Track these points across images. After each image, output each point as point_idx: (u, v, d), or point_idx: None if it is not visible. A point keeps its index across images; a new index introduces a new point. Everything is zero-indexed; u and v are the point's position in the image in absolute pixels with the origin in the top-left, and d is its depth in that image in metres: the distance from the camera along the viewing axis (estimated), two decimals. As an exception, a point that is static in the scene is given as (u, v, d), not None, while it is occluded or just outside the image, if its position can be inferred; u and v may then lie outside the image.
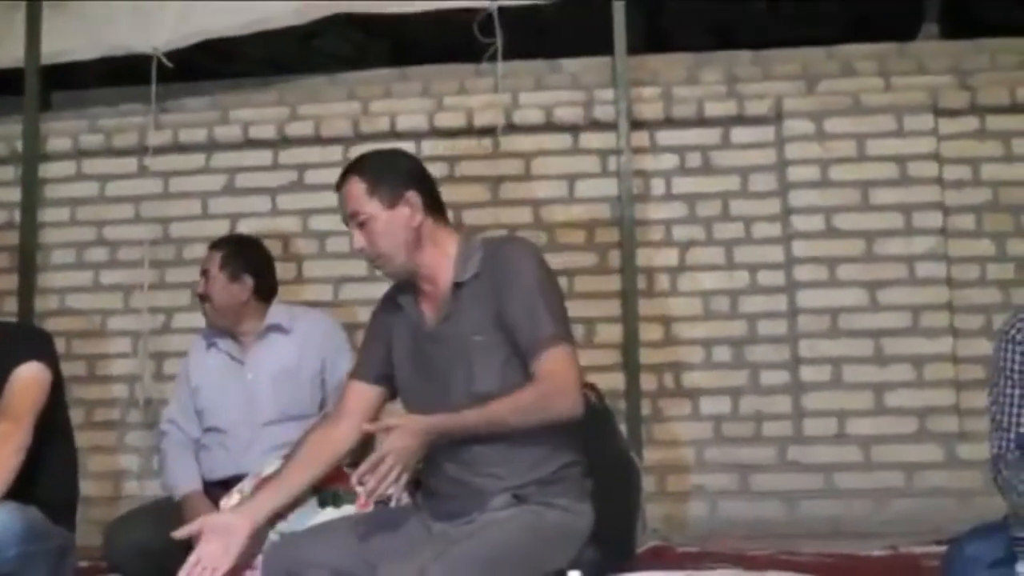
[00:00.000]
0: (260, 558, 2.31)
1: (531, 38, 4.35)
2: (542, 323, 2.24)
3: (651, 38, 4.74)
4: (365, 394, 2.46)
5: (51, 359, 2.82)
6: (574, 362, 2.26)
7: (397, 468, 2.11)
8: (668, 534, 3.82)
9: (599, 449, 2.37)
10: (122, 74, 4.60)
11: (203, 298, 3.31)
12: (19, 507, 2.55)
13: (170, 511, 3.04)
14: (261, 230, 4.07)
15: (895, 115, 4.17)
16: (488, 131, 4.30)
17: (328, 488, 2.47)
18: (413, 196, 2.35)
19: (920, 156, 4.15)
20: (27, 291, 4.27)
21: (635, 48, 4.29)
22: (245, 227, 4.22)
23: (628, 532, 2.42)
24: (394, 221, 2.34)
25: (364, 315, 4.06)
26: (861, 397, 4.06)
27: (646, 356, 4.11)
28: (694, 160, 4.28)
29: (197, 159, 4.46)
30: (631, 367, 4.07)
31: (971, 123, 4.18)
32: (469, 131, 4.32)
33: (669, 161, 4.29)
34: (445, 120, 4.33)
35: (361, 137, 4.30)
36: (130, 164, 4.48)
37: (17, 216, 4.38)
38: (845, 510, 3.96)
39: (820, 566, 3.33)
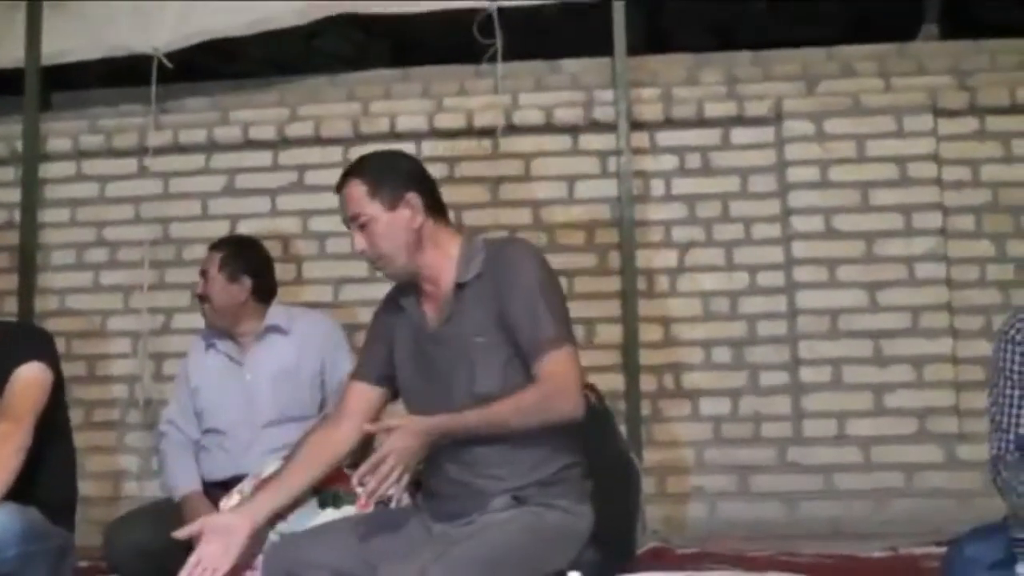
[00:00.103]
0: (260, 559, 2.31)
1: (531, 39, 4.35)
2: (544, 324, 2.24)
3: (651, 39, 4.75)
4: (366, 395, 2.46)
5: (52, 359, 2.81)
6: (576, 364, 2.25)
7: (398, 469, 2.11)
8: (668, 535, 3.82)
9: (599, 450, 2.37)
10: (122, 74, 4.60)
11: (202, 299, 3.31)
12: (18, 508, 2.55)
13: (170, 512, 3.04)
14: (261, 231, 4.07)
15: (895, 116, 4.17)
16: (488, 132, 4.31)
17: (328, 489, 2.47)
18: (414, 197, 2.35)
19: (920, 157, 4.15)
20: (27, 291, 4.27)
21: (635, 49, 4.29)
22: (245, 228, 4.23)
23: (628, 533, 2.42)
24: (395, 223, 2.34)
25: (364, 316, 4.07)
26: (861, 398, 4.06)
27: (646, 357, 4.12)
28: (694, 161, 4.28)
29: (197, 160, 4.46)
30: (631, 368, 4.07)
31: (971, 124, 4.19)
32: (469, 132, 4.32)
33: (669, 162, 4.29)
34: (445, 121, 4.34)
35: (361, 138, 4.31)
36: (130, 165, 4.48)
37: (17, 216, 4.39)
38: (845, 511, 3.97)
39: (820, 567, 3.33)
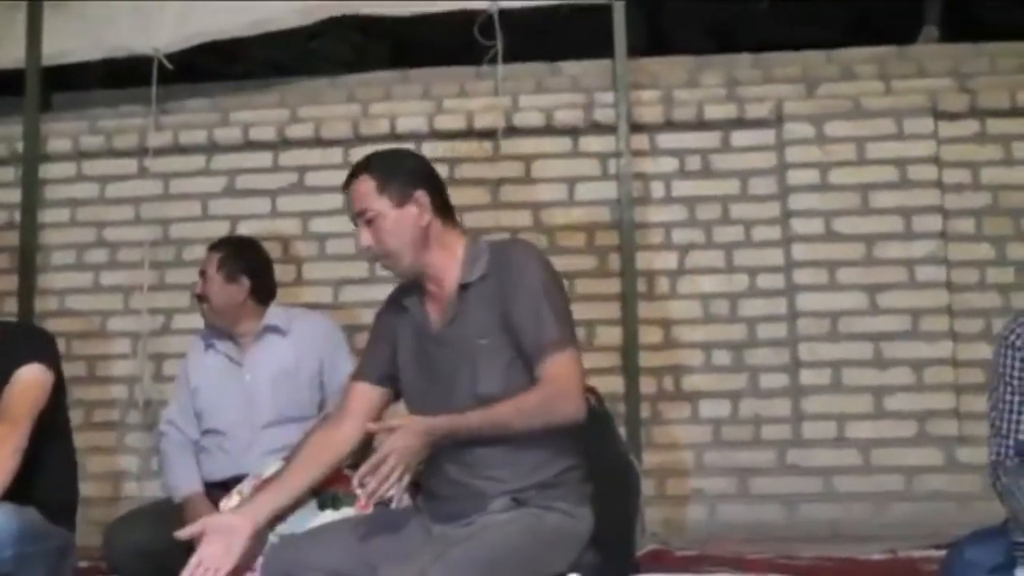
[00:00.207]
0: (260, 560, 2.31)
1: (531, 41, 4.35)
2: (547, 326, 2.23)
3: (651, 41, 4.75)
4: (368, 395, 2.45)
5: (53, 360, 2.81)
6: (578, 366, 2.25)
7: (399, 469, 2.09)
8: (667, 537, 3.82)
9: (598, 452, 2.37)
10: (123, 75, 4.60)
11: (201, 299, 3.31)
12: (16, 508, 2.55)
13: (169, 512, 3.03)
14: (261, 232, 4.07)
15: (895, 118, 4.17)
16: (488, 134, 4.31)
17: (327, 490, 2.46)
18: (422, 196, 2.35)
19: (920, 159, 4.15)
20: (27, 292, 4.27)
21: (635, 51, 4.29)
22: (245, 229, 4.23)
23: (627, 535, 2.41)
24: (402, 220, 2.33)
25: (364, 317, 4.09)
26: (861, 401, 4.06)
27: (645, 359, 4.12)
28: (694, 163, 4.28)
29: (197, 161, 4.46)
30: (630, 370, 4.07)
31: (971, 126, 4.19)
32: (469, 133, 4.32)
33: (669, 164, 4.29)
34: (445, 122, 4.34)
35: (361, 139, 4.31)
36: (130, 165, 4.48)
37: (17, 217, 4.39)
38: (844, 514, 3.96)
39: (819, 570, 3.34)
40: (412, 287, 2.43)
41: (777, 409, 4.13)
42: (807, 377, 4.10)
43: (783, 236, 4.21)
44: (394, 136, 4.27)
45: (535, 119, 4.31)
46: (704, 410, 4.16)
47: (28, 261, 4.32)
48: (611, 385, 3.95)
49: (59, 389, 2.83)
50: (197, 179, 4.46)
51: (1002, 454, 2.33)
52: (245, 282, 3.27)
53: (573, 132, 4.32)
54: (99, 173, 4.50)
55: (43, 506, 2.68)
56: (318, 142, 4.40)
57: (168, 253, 4.42)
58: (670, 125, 4.28)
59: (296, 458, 2.43)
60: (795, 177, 4.19)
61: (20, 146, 4.40)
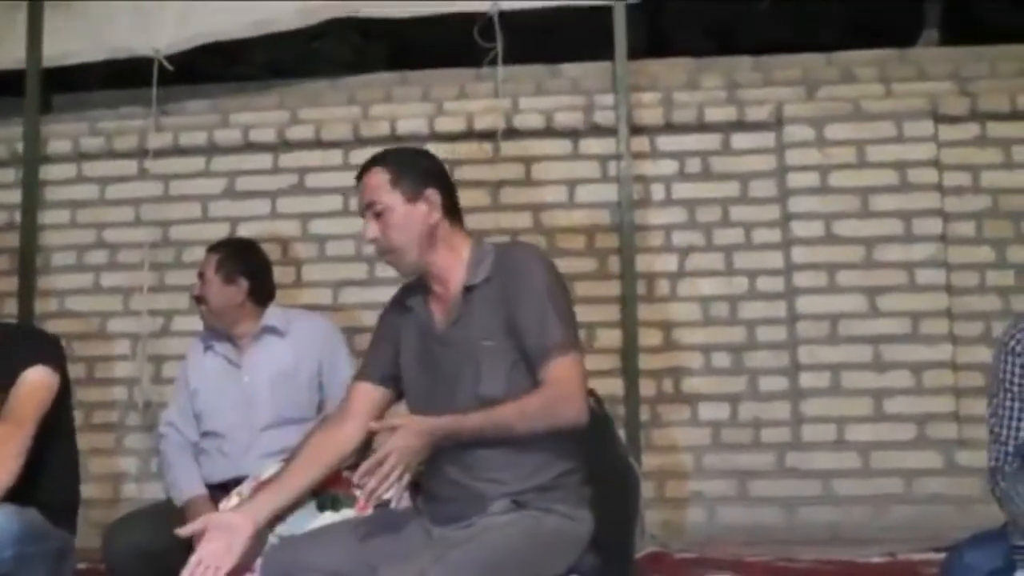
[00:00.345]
0: (259, 561, 2.31)
1: (531, 43, 4.35)
2: (551, 330, 2.24)
3: (651, 42, 4.75)
4: (370, 395, 2.45)
5: (58, 363, 2.83)
6: (581, 370, 2.25)
7: (399, 468, 2.09)
8: (666, 540, 3.82)
9: (598, 455, 2.36)
10: (123, 77, 4.60)
11: (199, 300, 3.31)
12: (16, 509, 2.55)
13: (169, 513, 3.03)
14: (261, 234, 4.07)
15: (895, 121, 4.17)
16: (488, 135, 4.31)
17: (327, 492, 2.46)
18: (433, 194, 2.35)
19: (920, 162, 4.15)
20: (27, 293, 4.27)
21: (635, 53, 4.29)
22: (245, 230, 4.23)
23: (627, 538, 2.41)
24: (412, 215, 2.33)
25: (363, 319, 4.10)
26: (860, 403, 4.06)
27: (645, 361, 4.12)
28: (694, 166, 4.28)
29: (197, 162, 4.46)
30: (630, 372, 4.07)
31: (971, 130, 4.19)
32: (469, 135, 4.32)
33: (669, 166, 4.29)
34: (445, 124, 4.34)
35: (361, 141, 4.31)
36: (130, 167, 4.49)
37: (17, 218, 4.39)
38: (844, 517, 3.96)
39: (818, 573, 3.34)
40: (417, 288, 2.44)
41: (777, 412, 4.13)
42: (807, 380, 4.09)
43: (783, 239, 4.21)
44: (394, 138, 4.26)
45: (535, 121, 4.31)
46: (704, 413, 4.16)
47: (28, 262, 4.32)
48: (611, 387, 3.95)
49: (64, 392, 2.85)
50: (197, 181, 4.46)
51: (1001, 460, 2.32)
52: (243, 283, 3.27)
53: (573, 134, 4.32)
54: (99, 174, 4.50)
55: (45, 507, 2.68)
56: (318, 144, 4.40)
57: (168, 255, 4.42)
58: (670, 127, 4.28)
59: (297, 458, 2.43)
60: (795, 180, 4.19)
61: (20, 147, 4.41)
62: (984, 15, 4.77)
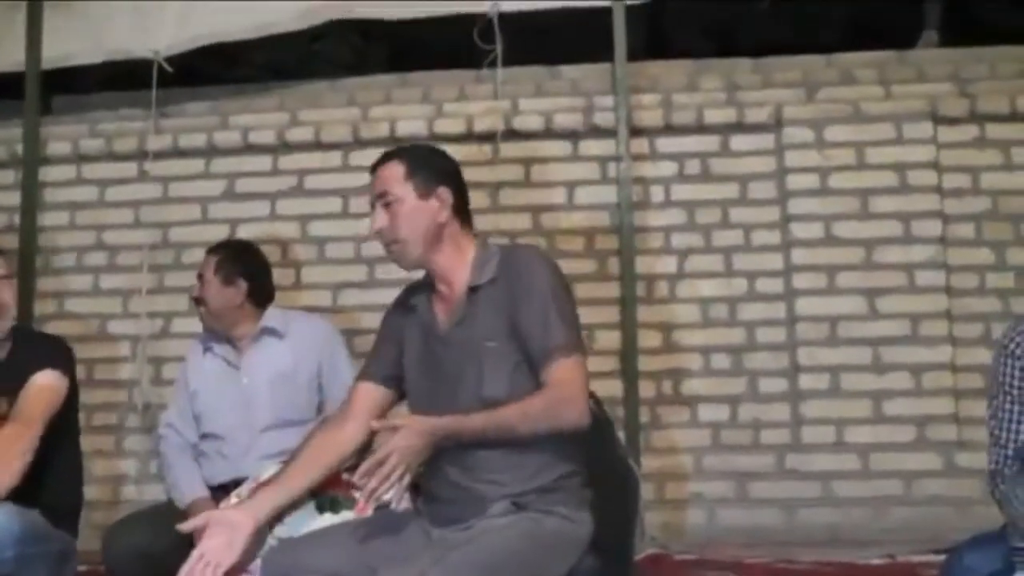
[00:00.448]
0: (258, 563, 2.30)
1: (531, 44, 4.35)
2: (554, 332, 2.24)
3: (651, 44, 4.75)
4: (372, 395, 2.45)
5: (68, 368, 2.89)
6: (583, 373, 2.26)
7: (399, 468, 2.08)
8: (666, 542, 3.82)
9: (598, 457, 2.37)
10: (122, 78, 4.60)
11: (198, 302, 3.32)
12: (19, 509, 2.57)
13: (169, 515, 3.02)
14: (260, 235, 4.07)
15: (894, 123, 4.17)
16: (488, 137, 4.31)
17: (325, 493, 2.46)
18: (446, 193, 2.37)
19: (919, 164, 4.15)
20: (26, 295, 4.26)
21: (635, 55, 4.29)
22: (244, 232, 4.23)
23: (626, 540, 2.41)
24: (421, 210, 2.34)
25: (363, 321, 4.10)
26: (860, 405, 4.06)
27: (645, 363, 4.11)
28: (693, 167, 4.28)
29: (197, 164, 4.46)
30: (630, 374, 4.06)
31: (971, 131, 4.19)
32: (469, 137, 4.32)
33: (668, 168, 4.29)
34: (445, 126, 4.34)
35: (361, 143, 4.31)
36: (130, 168, 4.48)
37: (17, 220, 4.38)
38: (843, 518, 3.96)
39: (818, 574, 3.34)
40: (421, 288, 2.44)
41: (776, 413, 4.13)
42: (806, 381, 4.09)
43: (782, 240, 4.21)
44: (394, 140, 4.26)
45: (535, 123, 4.31)
46: (703, 414, 4.15)
47: (27, 264, 4.31)
48: (610, 389, 3.96)
49: (72, 397, 2.90)
50: (196, 182, 4.45)
51: (1000, 463, 2.32)
52: (242, 285, 3.27)
53: (573, 136, 4.32)
54: (99, 176, 4.50)
55: (48, 509, 2.71)
56: (318, 146, 4.39)
57: (167, 256, 4.42)
58: (670, 129, 4.28)
59: (299, 457, 2.43)
60: (794, 181, 4.19)
61: (20, 149, 4.41)
62: (984, 16, 4.77)
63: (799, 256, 4.16)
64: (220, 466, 3.18)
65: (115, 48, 4.40)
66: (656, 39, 4.91)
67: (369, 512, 2.39)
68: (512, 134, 4.30)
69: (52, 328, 4.10)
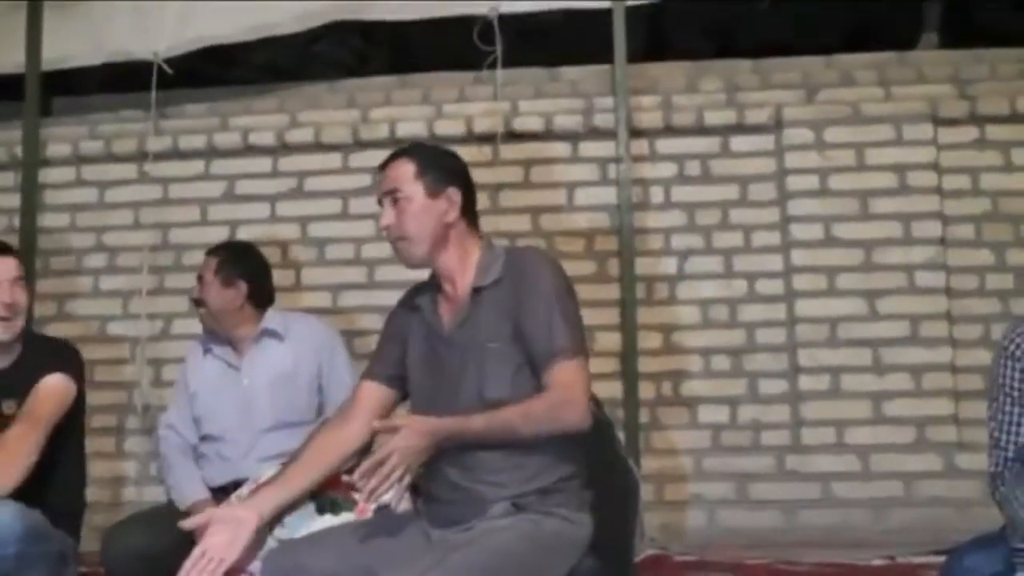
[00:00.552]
0: (258, 564, 2.30)
1: (531, 46, 4.35)
2: (557, 334, 2.24)
3: (651, 45, 4.75)
4: (375, 394, 2.45)
5: (77, 373, 2.92)
6: (585, 375, 2.26)
7: (400, 468, 2.08)
8: (666, 543, 3.82)
9: (598, 458, 2.37)
10: (122, 80, 4.60)
11: (198, 303, 3.32)
12: (22, 508, 2.59)
13: (169, 517, 3.01)
14: (260, 237, 4.07)
15: (894, 124, 4.17)
16: (487, 139, 4.31)
17: (325, 494, 2.46)
18: (455, 193, 2.37)
19: (919, 166, 4.15)
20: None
21: (635, 56, 4.29)
22: (244, 234, 4.23)
23: (626, 541, 2.41)
24: (430, 209, 2.35)
25: (363, 322, 4.09)
26: (860, 406, 4.05)
27: (644, 365, 4.11)
28: (693, 169, 4.28)
29: (196, 165, 4.46)
30: (629, 375, 4.06)
31: (971, 133, 4.19)
32: (468, 138, 4.31)
33: (668, 169, 4.29)
34: (445, 127, 4.34)
35: (361, 144, 4.31)
36: (130, 170, 4.48)
37: (17, 221, 4.38)
38: (843, 519, 3.96)
39: (818, 575, 3.34)
40: (426, 288, 2.45)
41: (776, 415, 4.12)
42: (806, 383, 4.09)
43: (782, 242, 4.21)
44: (394, 141, 4.25)
45: (534, 124, 4.31)
46: (703, 416, 4.15)
47: (27, 265, 4.29)
48: (610, 391, 3.95)
49: (79, 401, 2.92)
50: (196, 184, 4.46)
51: (1001, 465, 2.32)
52: (242, 286, 3.27)
53: (572, 137, 4.32)
54: (98, 178, 4.50)
55: (50, 510, 2.72)
56: (318, 147, 4.40)
57: (167, 258, 4.42)
58: (669, 130, 4.28)
59: (302, 455, 2.43)
60: (794, 183, 4.19)
61: (20, 150, 4.41)
62: (983, 18, 4.77)
63: (799, 257, 4.16)
64: (220, 468, 3.18)
65: (115, 50, 4.39)
66: (656, 40, 4.92)
67: (369, 514, 2.39)
68: (512, 135, 4.30)
69: (52, 330, 4.10)
